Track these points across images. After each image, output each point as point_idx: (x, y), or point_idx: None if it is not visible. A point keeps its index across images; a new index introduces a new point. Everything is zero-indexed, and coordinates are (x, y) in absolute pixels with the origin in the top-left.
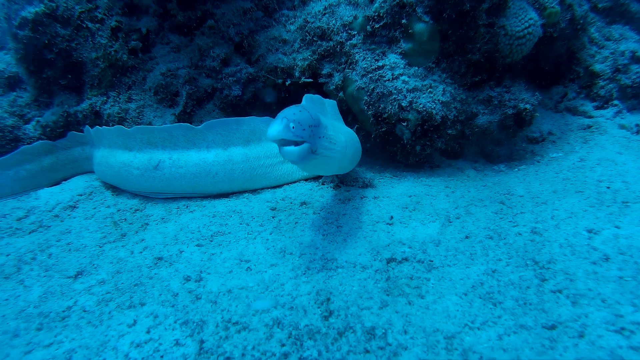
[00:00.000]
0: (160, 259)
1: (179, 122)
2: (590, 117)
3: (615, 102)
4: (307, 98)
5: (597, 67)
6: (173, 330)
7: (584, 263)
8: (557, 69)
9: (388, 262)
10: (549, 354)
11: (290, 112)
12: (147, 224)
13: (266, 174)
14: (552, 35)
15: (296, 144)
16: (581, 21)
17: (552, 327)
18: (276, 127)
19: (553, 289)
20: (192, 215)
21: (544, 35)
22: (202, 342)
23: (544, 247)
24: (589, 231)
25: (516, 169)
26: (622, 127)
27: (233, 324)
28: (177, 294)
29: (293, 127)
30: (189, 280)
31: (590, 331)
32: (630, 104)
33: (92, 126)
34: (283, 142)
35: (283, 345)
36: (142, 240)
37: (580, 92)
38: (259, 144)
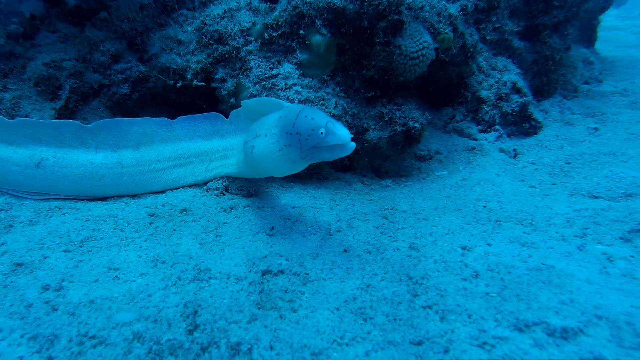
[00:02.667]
0: (20, 265)
1: (59, 117)
2: (475, 139)
3: (497, 127)
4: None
5: (483, 93)
6: (18, 346)
7: (456, 279)
8: (447, 92)
9: (263, 274)
10: None
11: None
12: (11, 226)
13: (156, 178)
14: (444, 59)
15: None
16: (471, 49)
17: (419, 343)
18: (346, 130)
19: (424, 304)
20: (63, 218)
21: (437, 58)
22: (50, 358)
23: (420, 263)
24: (463, 248)
25: (402, 185)
26: (501, 150)
27: (90, 338)
28: (32, 304)
29: None
30: (48, 289)
31: (455, 346)
32: (510, 130)
33: None
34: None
35: None
36: (3, 243)
37: (467, 115)
38: (151, 147)
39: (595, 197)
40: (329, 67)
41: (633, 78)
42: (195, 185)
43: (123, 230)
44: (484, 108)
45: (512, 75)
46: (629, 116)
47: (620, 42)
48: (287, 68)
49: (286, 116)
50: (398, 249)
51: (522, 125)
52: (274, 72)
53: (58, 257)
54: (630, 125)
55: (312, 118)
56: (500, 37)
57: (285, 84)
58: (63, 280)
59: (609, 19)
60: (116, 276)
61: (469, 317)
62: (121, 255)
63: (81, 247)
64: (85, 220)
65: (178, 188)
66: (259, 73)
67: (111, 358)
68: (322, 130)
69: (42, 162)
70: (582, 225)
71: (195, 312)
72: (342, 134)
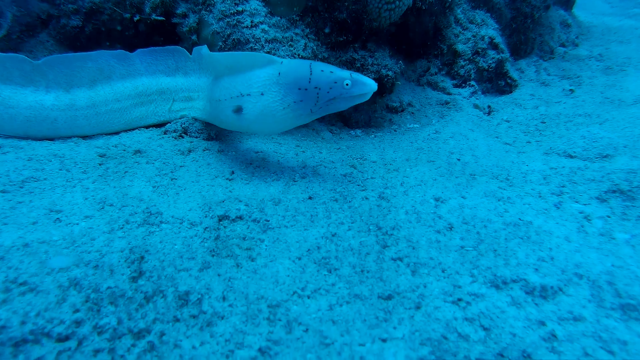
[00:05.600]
0: None
1: (1, 49)
2: (449, 93)
3: (472, 82)
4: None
5: (460, 47)
6: None
7: (429, 231)
8: (423, 43)
9: (220, 220)
10: (382, 326)
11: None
12: None
13: (114, 119)
14: (421, 7)
15: None
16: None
17: (389, 298)
18: (371, 79)
19: (394, 256)
20: (4, 157)
21: (413, 5)
22: None
23: (390, 213)
24: (436, 199)
25: (372, 135)
26: (476, 106)
27: (19, 284)
28: None
29: None
30: None
31: (427, 302)
32: (485, 87)
33: None
34: None
35: (76, 310)
36: None
37: (442, 68)
38: (108, 85)
39: (572, 157)
40: (298, 6)
41: (608, 44)
42: (149, 126)
43: (69, 170)
44: (459, 62)
45: (490, 30)
46: (604, 80)
47: (595, 10)
48: (254, 5)
49: (292, 72)
50: (367, 198)
51: (498, 82)
52: (239, 9)
53: None
54: (605, 89)
55: (331, 72)
56: None
57: (252, 22)
58: None
59: None
60: (57, 218)
61: (443, 271)
62: (65, 196)
63: (21, 187)
64: (28, 160)
65: (140, 128)
66: (223, 9)
67: (42, 306)
68: (348, 82)
69: None
70: (559, 183)
71: (142, 258)
72: (371, 82)
